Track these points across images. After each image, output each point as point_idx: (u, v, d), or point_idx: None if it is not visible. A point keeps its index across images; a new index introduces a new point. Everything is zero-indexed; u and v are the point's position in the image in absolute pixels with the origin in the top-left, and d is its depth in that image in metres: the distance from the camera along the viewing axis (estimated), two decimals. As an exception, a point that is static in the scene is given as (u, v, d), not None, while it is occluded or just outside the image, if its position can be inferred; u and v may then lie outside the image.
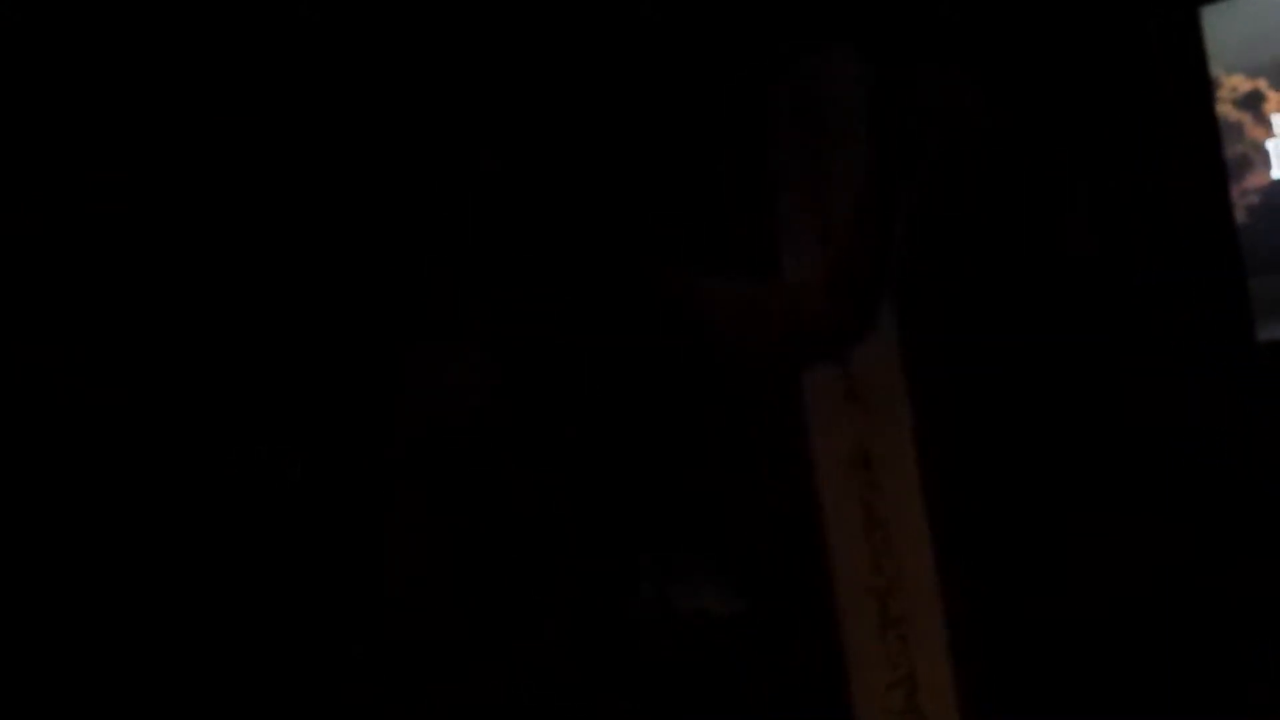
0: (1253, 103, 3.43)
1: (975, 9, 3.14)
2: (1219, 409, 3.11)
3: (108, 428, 2.52)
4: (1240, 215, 3.37)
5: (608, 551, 2.71)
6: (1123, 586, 3.08)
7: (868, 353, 3.16)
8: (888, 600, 3.21)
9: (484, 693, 2.45)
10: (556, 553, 2.60)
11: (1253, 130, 3.42)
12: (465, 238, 2.55)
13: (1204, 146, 3.39)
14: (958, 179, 3.11)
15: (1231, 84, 3.44)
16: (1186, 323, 3.24)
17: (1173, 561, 3.02)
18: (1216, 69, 3.43)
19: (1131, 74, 3.41)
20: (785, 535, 3.22)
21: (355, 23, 2.48)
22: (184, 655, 2.56)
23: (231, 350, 2.56)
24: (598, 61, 2.72)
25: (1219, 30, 3.42)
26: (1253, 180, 3.40)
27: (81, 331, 2.51)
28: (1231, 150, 3.42)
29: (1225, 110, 3.43)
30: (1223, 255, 3.33)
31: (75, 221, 2.44)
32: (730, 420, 3.11)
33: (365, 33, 2.48)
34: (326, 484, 2.55)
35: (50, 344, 2.48)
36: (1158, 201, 3.35)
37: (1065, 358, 3.24)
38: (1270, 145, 3.40)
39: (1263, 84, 3.42)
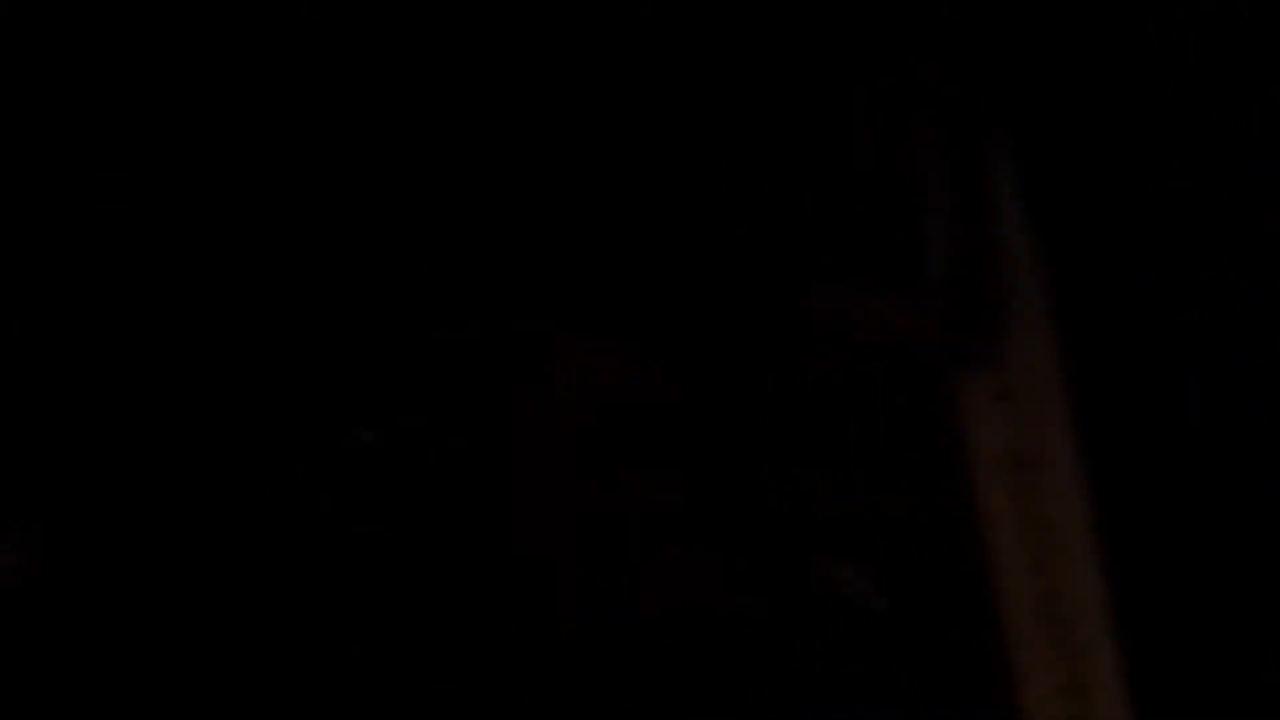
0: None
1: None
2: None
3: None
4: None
5: (763, 542, 2.70)
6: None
7: (1020, 351, 3.07)
8: (1053, 603, 3.11)
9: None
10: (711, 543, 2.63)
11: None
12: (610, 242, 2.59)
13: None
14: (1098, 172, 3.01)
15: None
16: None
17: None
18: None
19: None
20: (942, 535, 3.15)
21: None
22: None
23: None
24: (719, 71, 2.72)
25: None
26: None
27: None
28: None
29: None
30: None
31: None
32: (882, 417, 3.06)
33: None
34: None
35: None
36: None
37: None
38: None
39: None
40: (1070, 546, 3.16)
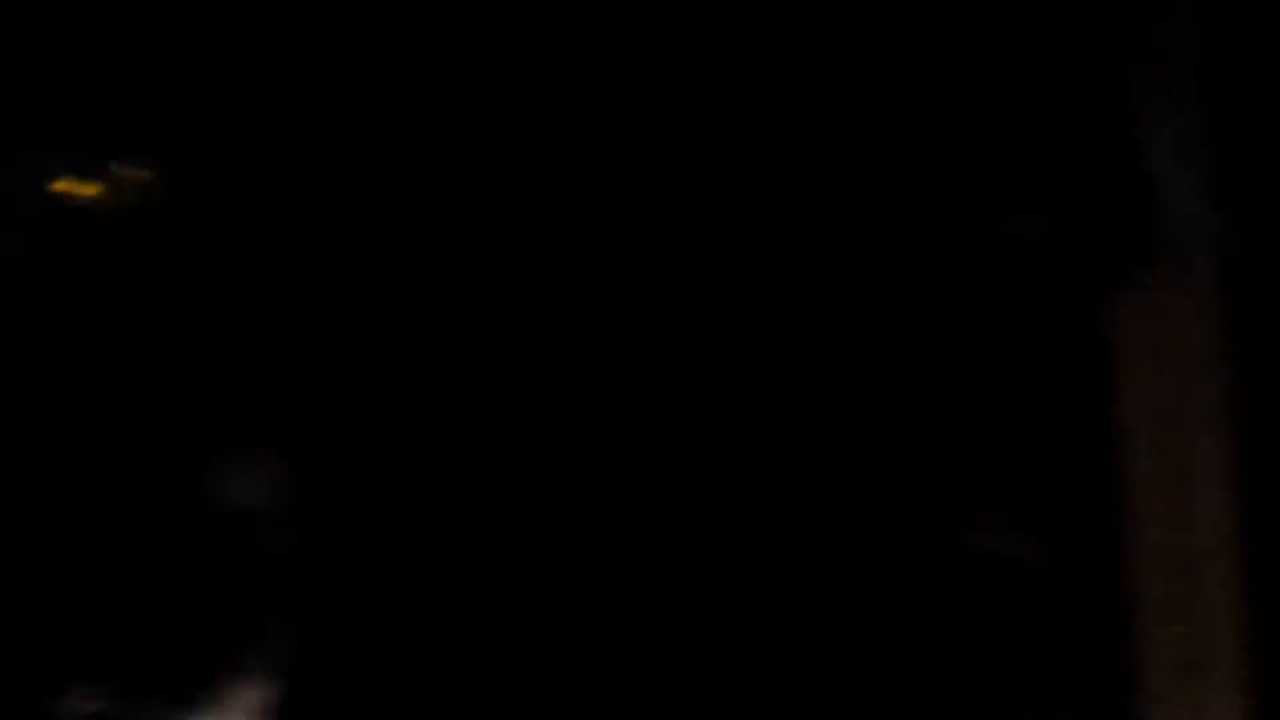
0: None
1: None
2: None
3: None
4: None
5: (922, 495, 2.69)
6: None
7: (1178, 308, 3.04)
8: (1187, 560, 3.12)
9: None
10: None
11: None
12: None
13: None
14: None
15: None
16: None
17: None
18: None
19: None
20: (1089, 489, 3.14)
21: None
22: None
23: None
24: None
25: None
26: None
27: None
28: None
29: None
30: None
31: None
32: (1036, 376, 3.05)
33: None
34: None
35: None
36: None
37: None
38: None
39: None
40: (1211, 506, 3.15)
